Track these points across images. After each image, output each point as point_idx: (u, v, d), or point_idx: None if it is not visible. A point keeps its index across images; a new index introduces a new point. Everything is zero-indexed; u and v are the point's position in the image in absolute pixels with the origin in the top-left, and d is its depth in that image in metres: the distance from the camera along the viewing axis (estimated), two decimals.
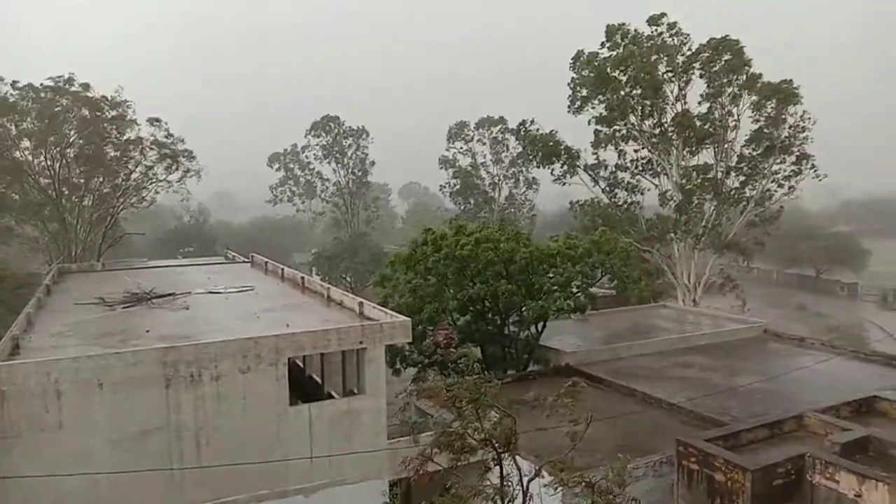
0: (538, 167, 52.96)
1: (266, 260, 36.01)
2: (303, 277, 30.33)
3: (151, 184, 52.32)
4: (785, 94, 45.78)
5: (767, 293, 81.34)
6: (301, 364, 26.89)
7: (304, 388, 24.37)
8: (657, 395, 24.35)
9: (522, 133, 53.65)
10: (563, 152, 50.04)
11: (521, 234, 30.45)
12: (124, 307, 24.46)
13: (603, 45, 48.79)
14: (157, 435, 17.43)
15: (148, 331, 20.46)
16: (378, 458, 19.35)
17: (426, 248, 29.27)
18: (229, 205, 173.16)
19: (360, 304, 22.90)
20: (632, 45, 47.79)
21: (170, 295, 26.38)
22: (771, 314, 60.80)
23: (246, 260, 39.35)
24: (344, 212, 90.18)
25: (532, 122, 53.82)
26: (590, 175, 50.80)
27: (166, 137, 51.10)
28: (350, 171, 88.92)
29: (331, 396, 22.54)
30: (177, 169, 51.84)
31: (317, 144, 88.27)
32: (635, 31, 48.39)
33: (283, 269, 32.90)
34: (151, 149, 50.87)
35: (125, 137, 50.02)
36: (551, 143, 50.36)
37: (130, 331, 20.69)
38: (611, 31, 48.81)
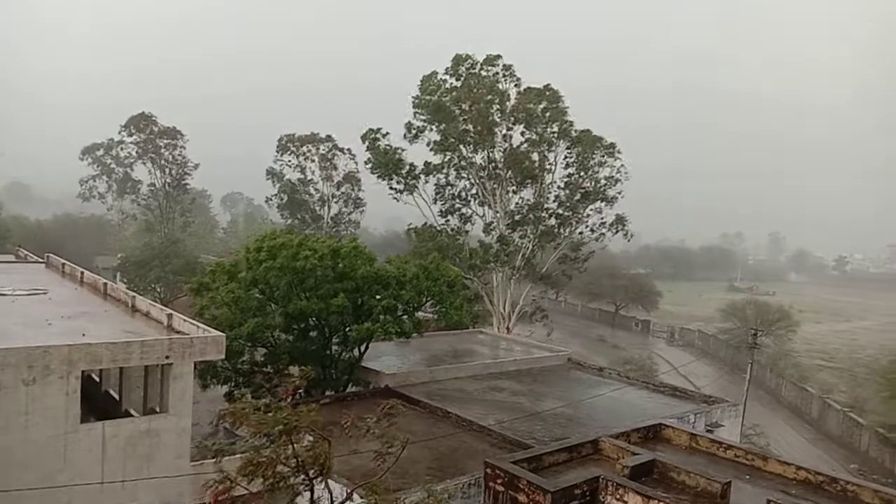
0: (380, 178, 52.26)
1: (64, 262, 32.77)
2: (105, 283, 27.89)
3: None
4: (591, 143, 49.75)
5: (572, 324, 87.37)
6: (97, 378, 24.61)
7: (99, 404, 22.30)
8: (469, 418, 25.07)
9: (369, 141, 51.72)
10: (405, 171, 50.63)
11: (364, 252, 29.92)
12: None
13: (447, 71, 50.26)
14: None
15: None
16: (179, 482, 18.06)
17: (260, 254, 28.05)
18: (24, 197, 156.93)
19: (170, 315, 21.42)
20: (472, 79, 49.62)
21: None
22: (574, 344, 65.29)
23: (40, 260, 35.57)
24: (158, 215, 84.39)
25: (386, 134, 51.63)
26: (424, 198, 51.85)
27: None
28: (167, 172, 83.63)
29: (129, 415, 20.78)
30: None
31: (131, 142, 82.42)
32: (479, 65, 50.30)
33: (82, 273, 30.09)
34: None
35: None
36: (396, 158, 50.66)
37: None
38: (457, 61, 50.40)
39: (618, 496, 16.40)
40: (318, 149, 76.46)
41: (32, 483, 15.76)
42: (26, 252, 38.67)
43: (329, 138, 76.90)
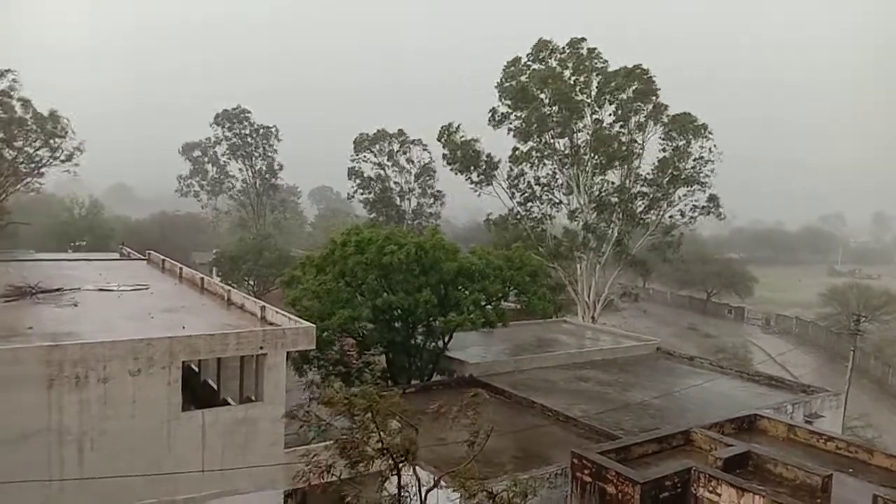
0: (456, 174, 52.81)
1: (163, 258, 34.52)
2: (202, 278, 29.24)
3: (35, 164, 51.57)
4: (687, 124, 48.10)
5: (661, 313, 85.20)
6: (196, 368, 25.87)
7: (198, 393, 23.44)
8: (555, 408, 24.90)
9: (444, 138, 52.52)
10: (482, 162, 50.79)
11: (450, 246, 30.15)
12: (6, 301, 22.80)
13: (529, 56, 50.07)
14: (35, 440, 16.26)
15: (31, 327, 19.13)
16: (273, 468, 18.81)
17: (347, 248, 28.74)
18: (126, 198, 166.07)
19: (263, 308, 22.24)
20: (555, 62, 49.15)
21: (57, 290, 24.79)
22: (663, 332, 63.65)
23: (142, 257, 37.61)
24: (250, 212, 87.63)
25: (458, 129, 52.35)
26: (504, 189, 51.71)
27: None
28: (257, 170, 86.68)
29: (227, 403, 21.76)
30: (59, 148, 51.44)
31: (223, 140, 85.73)
32: (561, 49, 49.75)
33: (181, 269, 31.63)
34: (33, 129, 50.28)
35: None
36: (471, 152, 50.88)
37: (12, 326, 19.28)
38: (539, 47, 50.07)
39: (710, 488, 15.97)
40: (391, 144, 77.25)
41: (140, 467, 16.79)
42: (129, 250, 40.88)
43: (401, 132, 77.60)
